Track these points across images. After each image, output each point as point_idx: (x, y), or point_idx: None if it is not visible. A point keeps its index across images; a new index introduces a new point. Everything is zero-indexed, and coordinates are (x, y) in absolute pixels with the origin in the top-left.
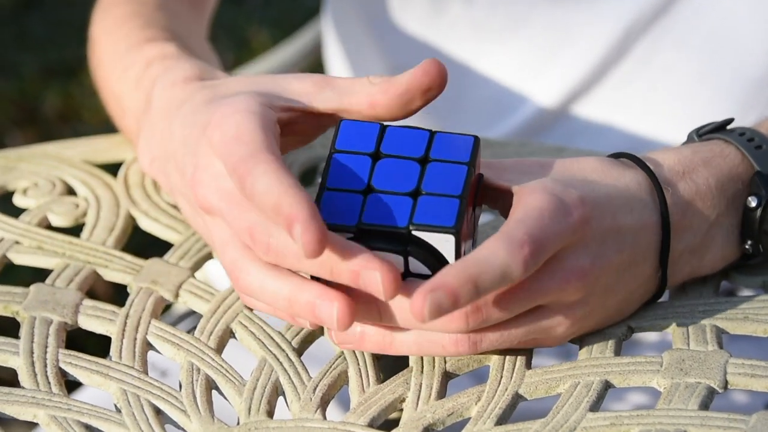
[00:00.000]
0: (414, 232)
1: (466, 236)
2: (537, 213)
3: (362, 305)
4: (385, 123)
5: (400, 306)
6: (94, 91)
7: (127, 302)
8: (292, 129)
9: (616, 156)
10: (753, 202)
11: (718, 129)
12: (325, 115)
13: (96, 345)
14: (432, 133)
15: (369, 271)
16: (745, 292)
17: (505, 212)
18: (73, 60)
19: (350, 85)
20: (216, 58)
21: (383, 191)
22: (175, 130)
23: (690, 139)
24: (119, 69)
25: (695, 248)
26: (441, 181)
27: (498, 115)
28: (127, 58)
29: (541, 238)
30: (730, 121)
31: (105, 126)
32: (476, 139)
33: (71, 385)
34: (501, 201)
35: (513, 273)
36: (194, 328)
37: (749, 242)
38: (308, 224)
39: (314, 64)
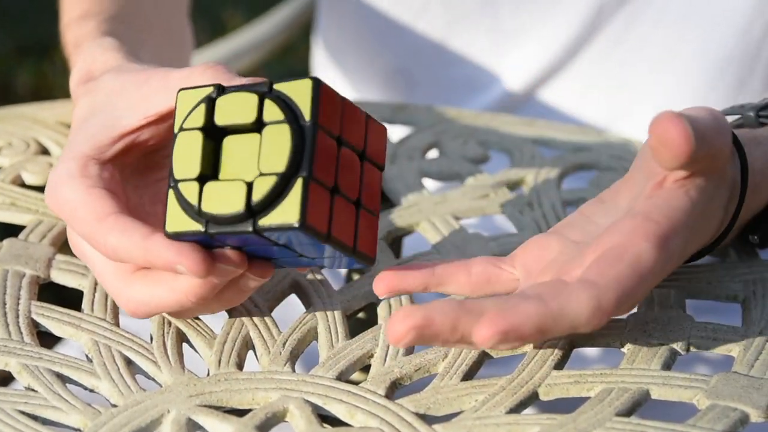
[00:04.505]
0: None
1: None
2: (638, 277)
3: None
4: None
5: None
6: (67, 70)
7: None
8: (144, 144)
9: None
10: None
11: None
12: (165, 117)
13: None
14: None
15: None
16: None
17: None
18: (47, 38)
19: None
20: (189, 30)
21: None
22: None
23: (747, 117)
24: (66, 41)
25: None
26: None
27: (471, 92)
28: (68, 33)
29: (624, 304)
30: None
31: None
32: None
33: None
34: None
35: (580, 332)
36: None
37: None
38: (185, 258)
39: (284, 43)
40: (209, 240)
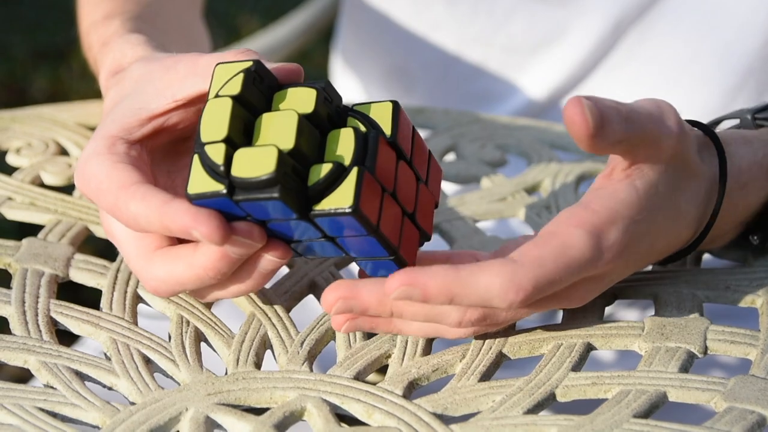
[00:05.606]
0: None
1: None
2: (563, 261)
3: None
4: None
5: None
6: (83, 75)
7: (119, 257)
8: (173, 128)
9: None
10: None
11: None
12: (195, 100)
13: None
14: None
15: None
16: None
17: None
18: (63, 43)
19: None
20: (205, 33)
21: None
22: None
23: (744, 120)
24: (89, 43)
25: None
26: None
27: (485, 107)
28: (92, 34)
29: (545, 286)
30: None
31: None
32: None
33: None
34: None
35: (495, 306)
36: None
37: None
38: (201, 224)
39: (300, 49)
40: (232, 207)
